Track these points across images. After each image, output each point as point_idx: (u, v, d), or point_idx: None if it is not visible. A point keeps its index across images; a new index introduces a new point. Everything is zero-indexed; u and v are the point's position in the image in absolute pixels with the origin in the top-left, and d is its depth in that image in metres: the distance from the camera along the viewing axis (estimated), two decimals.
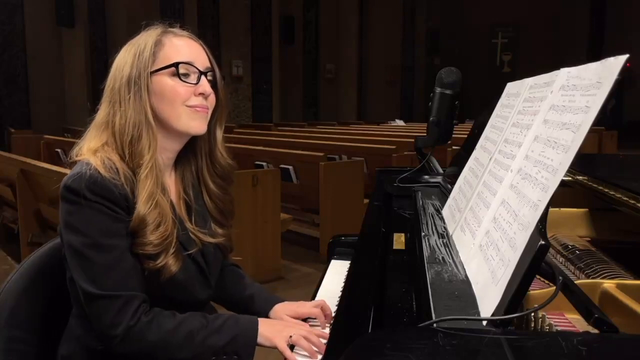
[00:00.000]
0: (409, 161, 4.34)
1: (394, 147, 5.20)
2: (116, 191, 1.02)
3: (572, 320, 0.80)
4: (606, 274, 0.93)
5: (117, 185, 1.02)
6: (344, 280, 1.35)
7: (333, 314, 1.18)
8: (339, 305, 1.06)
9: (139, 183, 1.05)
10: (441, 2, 17.79)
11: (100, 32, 10.61)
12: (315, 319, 1.20)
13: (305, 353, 1.05)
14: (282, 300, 1.29)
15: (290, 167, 4.48)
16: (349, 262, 1.40)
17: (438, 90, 1.69)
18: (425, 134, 1.76)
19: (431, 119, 1.70)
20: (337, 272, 1.47)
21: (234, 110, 12.47)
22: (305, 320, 1.21)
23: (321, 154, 4.48)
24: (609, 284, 0.86)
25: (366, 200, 4.08)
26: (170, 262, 1.06)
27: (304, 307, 1.22)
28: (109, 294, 1.00)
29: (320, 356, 1.03)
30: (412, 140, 1.88)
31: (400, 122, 12.17)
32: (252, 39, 12.71)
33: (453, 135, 1.76)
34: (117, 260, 1.02)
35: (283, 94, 13.89)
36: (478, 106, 2.22)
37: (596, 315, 0.68)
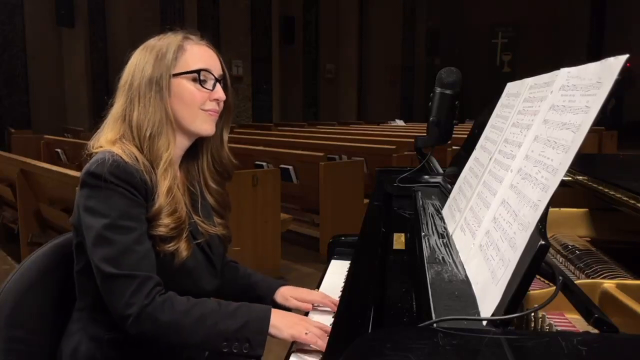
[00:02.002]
0: (409, 161, 4.34)
1: (394, 147, 5.20)
2: (137, 176, 1.08)
3: (572, 320, 0.80)
4: (606, 274, 0.93)
5: (138, 170, 1.08)
6: (344, 280, 1.35)
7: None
8: (339, 306, 1.05)
9: (159, 177, 1.11)
10: (441, 2, 17.78)
11: (100, 32, 10.60)
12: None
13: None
14: (287, 284, 1.33)
15: (290, 167, 4.48)
16: (349, 262, 1.39)
17: (438, 90, 1.69)
18: (425, 134, 1.76)
19: (431, 119, 1.70)
20: (337, 272, 1.47)
21: (234, 110, 12.47)
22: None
23: (321, 154, 4.48)
24: (609, 284, 0.86)
25: (366, 200, 4.08)
26: (182, 247, 1.11)
27: (311, 295, 1.27)
28: (126, 273, 1.03)
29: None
30: (412, 140, 1.88)
31: (400, 122, 12.16)
32: (252, 39, 12.72)
33: (453, 135, 1.76)
34: (135, 242, 1.06)
35: (283, 94, 13.89)
36: (478, 106, 2.22)
37: (596, 315, 0.68)
